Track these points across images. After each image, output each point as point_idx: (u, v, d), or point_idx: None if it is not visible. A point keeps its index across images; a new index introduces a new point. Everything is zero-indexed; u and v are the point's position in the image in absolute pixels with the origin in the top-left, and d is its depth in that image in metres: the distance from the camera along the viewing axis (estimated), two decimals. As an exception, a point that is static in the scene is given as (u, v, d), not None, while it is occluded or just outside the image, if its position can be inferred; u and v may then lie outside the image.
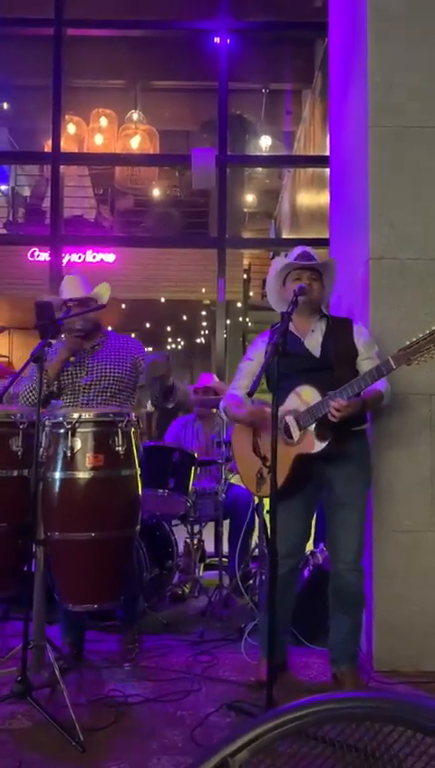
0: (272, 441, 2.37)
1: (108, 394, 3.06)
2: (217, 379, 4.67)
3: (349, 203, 3.63)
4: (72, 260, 9.00)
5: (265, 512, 3.70)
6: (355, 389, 2.51)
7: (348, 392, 2.51)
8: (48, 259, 7.38)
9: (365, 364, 2.69)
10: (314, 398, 2.60)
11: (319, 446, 2.61)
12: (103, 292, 3.12)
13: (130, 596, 3.02)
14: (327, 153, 4.77)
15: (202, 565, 4.33)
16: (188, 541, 4.20)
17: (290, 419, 2.64)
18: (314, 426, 2.61)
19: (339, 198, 3.97)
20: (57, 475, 2.51)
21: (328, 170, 4.63)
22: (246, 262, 11.54)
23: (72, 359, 3.06)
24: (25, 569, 2.67)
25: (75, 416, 2.54)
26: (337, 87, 4.05)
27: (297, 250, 2.79)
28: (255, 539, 3.94)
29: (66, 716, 2.34)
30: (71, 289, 3.11)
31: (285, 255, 2.86)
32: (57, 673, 2.46)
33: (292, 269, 2.76)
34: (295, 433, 2.66)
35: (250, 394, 2.51)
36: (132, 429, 2.66)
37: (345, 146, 3.77)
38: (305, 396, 2.62)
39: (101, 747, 2.29)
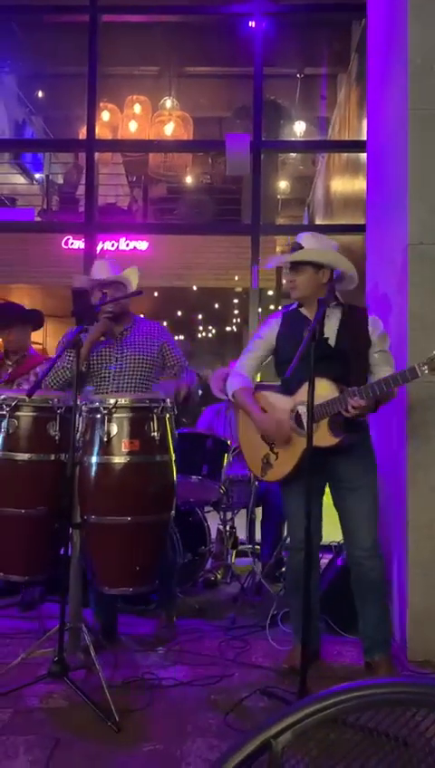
0: (307, 430, 2.36)
1: (137, 380, 3.08)
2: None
3: (387, 188, 3.57)
4: (105, 248, 9.04)
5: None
6: (376, 391, 2.47)
7: (369, 392, 2.47)
8: (82, 247, 7.44)
9: (377, 357, 2.68)
10: (330, 392, 2.55)
11: (332, 440, 2.59)
12: (131, 275, 3.12)
13: (166, 580, 3.05)
14: (363, 138, 4.70)
15: (234, 552, 4.34)
16: (221, 527, 4.22)
17: (303, 410, 2.61)
18: (326, 419, 2.58)
19: (376, 184, 3.90)
20: (93, 459, 2.54)
21: (364, 155, 4.56)
22: (278, 249, 11.45)
23: (102, 338, 3.08)
24: (61, 552, 2.71)
25: (112, 401, 2.56)
26: (376, 70, 3.97)
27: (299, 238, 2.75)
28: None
29: (101, 697, 2.38)
30: (100, 272, 3.13)
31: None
32: (93, 654, 2.50)
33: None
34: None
35: (285, 379, 2.50)
36: (167, 415, 2.67)
37: (384, 130, 3.70)
38: (321, 389, 2.55)
39: (136, 728, 2.32)
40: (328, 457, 2.66)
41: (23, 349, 3.74)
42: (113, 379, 3.05)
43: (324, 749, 0.91)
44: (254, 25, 5.81)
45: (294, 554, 2.81)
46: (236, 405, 2.96)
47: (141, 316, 3.37)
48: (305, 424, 2.48)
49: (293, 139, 10.70)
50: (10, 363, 3.73)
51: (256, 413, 2.78)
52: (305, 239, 2.73)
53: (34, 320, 3.78)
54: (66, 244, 9.02)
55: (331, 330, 2.71)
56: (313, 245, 2.71)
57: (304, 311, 2.76)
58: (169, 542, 3.06)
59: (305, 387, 2.57)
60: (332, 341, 2.69)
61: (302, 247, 2.70)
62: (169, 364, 3.22)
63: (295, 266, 2.71)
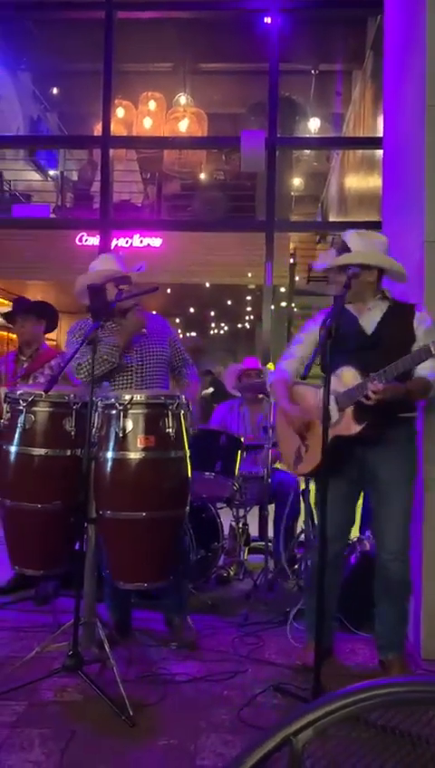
0: (323, 427, 2.36)
1: (157, 375, 3.09)
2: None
3: (403, 184, 3.55)
4: (119, 244, 9.06)
5: (313, 497, 3.69)
6: (393, 372, 2.46)
7: (387, 375, 2.47)
8: (96, 243, 7.46)
9: None
10: (354, 380, 2.58)
11: (356, 428, 2.58)
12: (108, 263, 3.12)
13: (179, 578, 3.06)
14: (378, 134, 4.68)
15: (247, 549, 4.34)
16: (234, 524, 4.22)
17: (331, 400, 2.62)
18: (352, 408, 2.58)
19: (393, 180, 3.88)
20: (109, 454, 2.55)
21: (379, 152, 4.54)
22: (291, 246, 11.43)
23: (144, 330, 3.08)
24: (76, 547, 2.73)
25: (127, 397, 2.56)
26: (392, 65, 3.95)
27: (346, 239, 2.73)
28: (300, 524, 3.93)
29: (115, 691, 2.39)
30: (105, 264, 3.11)
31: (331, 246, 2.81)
32: (107, 649, 2.52)
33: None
34: (335, 414, 2.64)
35: (304, 378, 2.50)
36: (182, 412, 2.68)
37: (400, 126, 3.68)
38: (345, 378, 2.60)
39: (150, 723, 2.33)
40: (365, 453, 2.65)
41: (36, 342, 3.76)
42: (136, 373, 3.04)
43: (344, 747, 0.91)
44: (269, 21, 5.79)
45: (316, 552, 2.80)
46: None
47: (154, 312, 3.38)
48: (332, 414, 2.49)
49: (307, 135, 10.66)
50: (24, 359, 3.75)
51: (284, 403, 2.80)
52: (352, 240, 2.70)
53: (49, 316, 3.80)
54: (80, 240, 9.05)
55: (371, 322, 2.70)
56: (359, 247, 2.68)
57: (350, 308, 2.74)
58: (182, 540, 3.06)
59: (332, 378, 2.57)
60: (369, 331, 2.68)
61: (348, 249, 2.68)
62: (177, 359, 3.23)
63: (343, 267, 2.68)
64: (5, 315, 3.86)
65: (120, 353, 2.98)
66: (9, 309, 3.87)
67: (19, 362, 3.75)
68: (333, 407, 2.64)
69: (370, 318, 2.71)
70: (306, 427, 2.76)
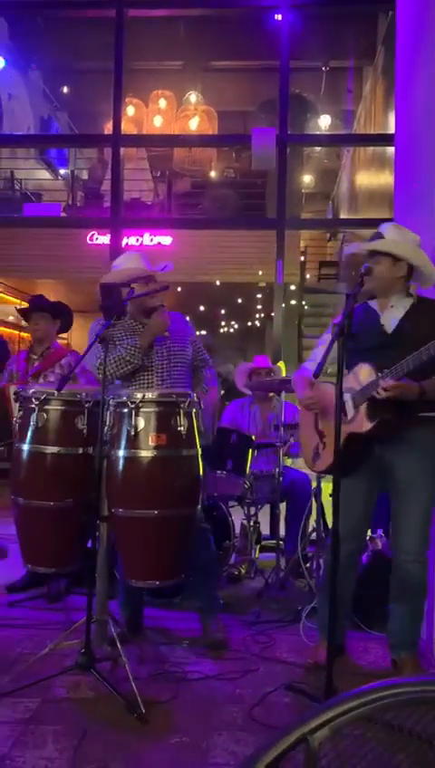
0: (336, 423, 2.35)
1: (178, 375, 3.06)
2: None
3: (416, 181, 3.53)
4: (129, 243, 9.07)
5: (325, 495, 3.69)
6: (404, 369, 2.43)
7: (398, 371, 2.44)
8: (106, 242, 7.47)
9: None
10: (370, 377, 2.56)
11: (367, 425, 2.56)
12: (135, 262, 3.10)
13: (207, 579, 3.07)
14: (389, 131, 4.65)
15: (258, 547, 4.34)
16: (245, 522, 4.22)
17: (347, 397, 2.62)
18: (365, 405, 2.57)
19: (404, 177, 3.86)
20: (121, 453, 2.55)
21: (390, 149, 4.52)
22: (302, 244, 11.40)
23: (166, 333, 3.05)
24: (88, 545, 2.74)
25: (139, 396, 2.57)
26: (404, 61, 3.92)
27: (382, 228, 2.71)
28: (312, 523, 3.92)
29: (128, 689, 2.40)
30: (132, 263, 3.08)
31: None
32: (119, 647, 2.52)
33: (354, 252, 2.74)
34: (350, 411, 2.63)
35: (315, 376, 2.48)
36: (194, 410, 2.68)
37: (412, 122, 3.65)
38: (362, 375, 2.59)
39: (162, 720, 2.33)
40: (383, 451, 2.64)
41: (48, 341, 3.78)
42: (158, 374, 3.02)
43: (357, 747, 0.90)
44: (280, 18, 5.77)
45: (330, 551, 2.79)
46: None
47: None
48: (348, 412, 2.50)
49: (318, 132, 10.62)
50: (35, 357, 3.77)
51: (303, 392, 2.81)
52: (388, 230, 2.67)
53: (64, 316, 3.81)
54: (91, 239, 9.07)
55: (392, 319, 2.66)
56: (394, 237, 2.65)
57: (373, 304, 2.71)
58: (204, 540, 3.04)
59: (350, 375, 2.56)
60: (389, 329, 2.65)
61: (383, 238, 2.66)
62: (198, 359, 3.22)
63: (374, 255, 2.64)
64: (21, 311, 3.87)
65: (141, 354, 2.96)
66: (26, 306, 3.88)
67: (30, 361, 3.76)
68: (349, 404, 2.63)
69: (391, 315, 2.67)
70: (325, 423, 2.75)
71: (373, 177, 9.57)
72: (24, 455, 2.66)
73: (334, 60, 10.50)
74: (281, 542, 3.90)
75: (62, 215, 9.61)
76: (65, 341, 9.80)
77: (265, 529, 4.49)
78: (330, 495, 2.45)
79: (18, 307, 4.02)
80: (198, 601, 3.15)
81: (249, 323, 15.53)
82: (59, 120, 12.35)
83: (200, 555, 2.92)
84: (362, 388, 2.59)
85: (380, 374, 2.52)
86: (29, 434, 2.64)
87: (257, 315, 14.61)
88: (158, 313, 3.03)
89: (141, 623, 3.13)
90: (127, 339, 2.98)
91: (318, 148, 12.17)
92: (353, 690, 0.82)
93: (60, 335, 3.97)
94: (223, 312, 15.04)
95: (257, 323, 15.20)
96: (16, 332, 9.80)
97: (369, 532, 3.44)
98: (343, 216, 12.59)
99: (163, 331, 3.04)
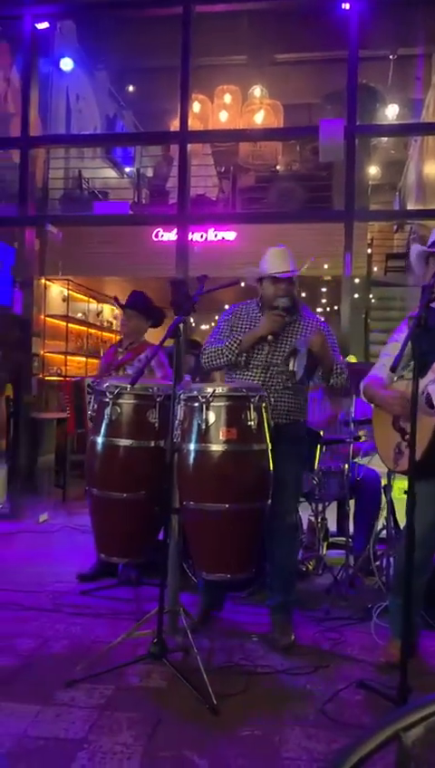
0: (411, 421, 2.29)
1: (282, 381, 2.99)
2: None
3: None
4: (193, 239, 9.10)
5: (395, 493, 3.62)
6: None
7: None
8: (172, 239, 7.52)
9: None
10: None
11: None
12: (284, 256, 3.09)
13: (289, 579, 3.07)
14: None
15: (325, 544, 4.30)
16: (312, 519, 4.19)
17: (433, 389, 2.54)
18: None
19: None
20: (192, 446, 2.58)
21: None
22: (368, 236, 11.18)
23: (270, 338, 2.99)
24: (160, 537, 2.78)
25: (209, 390, 2.58)
26: None
27: None
28: (382, 520, 3.86)
29: (199, 680, 2.42)
30: (278, 263, 3.08)
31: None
32: (190, 638, 2.55)
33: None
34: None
35: (393, 369, 2.43)
36: (263, 405, 2.67)
37: None
38: None
39: (233, 713, 2.35)
40: None
41: (135, 336, 3.94)
42: (259, 376, 3.00)
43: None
44: (348, 7, 5.66)
45: (403, 550, 2.74)
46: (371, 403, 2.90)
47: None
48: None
49: (385, 122, 10.39)
50: (121, 350, 3.95)
51: (381, 393, 2.75)
52: None
53: (155, 316, 3.98)
54: (156, 236, 9.15)
55: None
56: None
57: None
58: (294, 541, 3.05)
59: (431, 372, 2.50)
60: None
61: None
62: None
63: None
64: (120, 306, 4.02)
65: (237, 351, 2.95)
66: (125, 301, 4.03)
67: (117, 354, 3.95)
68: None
69: None
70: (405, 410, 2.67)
71: (443, 167, 9.29)
72: (99, 447, 2.72)
73: (403, 47, 10.23)
74: (349, 540, 3.85)
75: (130, 213, 9.73)
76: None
77: (331, 526, 4.45)
78: (404, 492, 2.39)
79: (115, 303, 4.20)
80: (271, 599, 3.11)
81: (313, 318, 15.39)
82: (124, 118, 12.53)
83: (281, 552, 2.93)
84: None
85: None
86: (103, 427, 2.70)
87: (321, 309, 14.44)
88: (271, 314, 2.97)
89: (218, 611, 3.15)
90: (240, 331, 2.99)
91: (385, 139, 11.90)
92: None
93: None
94: (286, 306, 14.94)
95: (321, 318, 15.03)
96: (85, 329, 10.00)
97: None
98: (410, 206, 12.29)
99: (268, 333, 2.96)
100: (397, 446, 2.72)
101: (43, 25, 6.39)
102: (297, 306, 3.10)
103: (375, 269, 11.65)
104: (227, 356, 2.95)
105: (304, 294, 13.11)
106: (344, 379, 3.05)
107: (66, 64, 9.16)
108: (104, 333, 10.75)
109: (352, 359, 4.43)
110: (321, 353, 2.91)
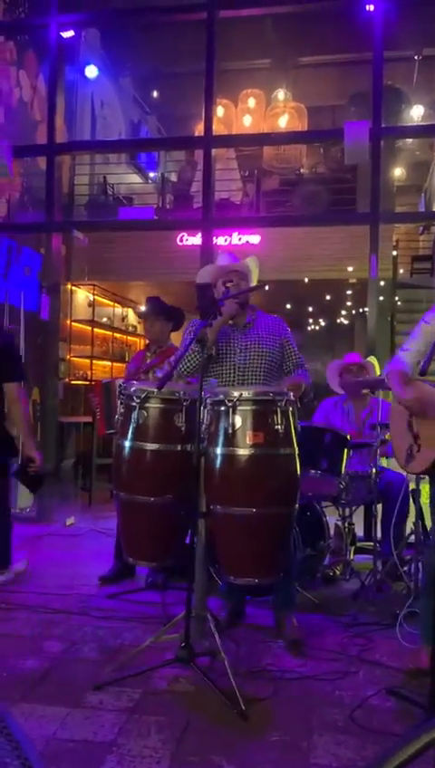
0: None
1: (261, 374, 3.08)
2: None
3: None
4: (218, 243, 9.11)
5: (424, 497, 3.58)
6: None
7: None
8: (196, 243, 7.55)
9: None
10: None
11: None
12: (251, 264, 3.15)
13: (286, 577, 3.05)
14: None
15: (352, 548, 4.27)
16: (339, 523, 4.16)
17: None
18: None
19: None
20: (219, 450, 2.58)
21: None
22: (393, 238, 11.09)
23: (230, 322, 3.10)
24: (187, 541, 2.78)
25: (236, 394, 2.58)
26: None
27: None
28: (410, 525, 3.82)
29: (227, 685, 2.42)
30: (223, 259, 3.22)
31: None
32: (218, 642, 2.55)
33: None
34: None
35: (422, 373, 2.41)
36: (290, 409, 2.66)
37: None
38: None
39: (262, 718, 2.34)
40: None
41: (162, 340, 4.06)
42: (238, 372, 3.07)
43: None
44: (373, 9, 5.64)
45: (434, 553, 2.72)
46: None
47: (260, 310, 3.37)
48: None
49: (410, 124, 10.32)
50: (149, 355, 4.07)
51: (399, 389, 2.73)
52: None
53: (176, 318, 4.09)
54: (181, 240, 9.19)
55: None
56: None
57: None
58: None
59: None
60: None
61: None
62: (288, 361, 3.21)
63: None
64: (140, 314, 4.14)
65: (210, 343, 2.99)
66: (144, 308, 4.21)
67: (145, 358, 4.06)
68: None
69: None
70: (424, 423, 2.66)
71: (470, 167, 9.19)
72: (126, 451, 2.73)
73: (428, 48, 10.16)
74: (377, 545, 3.82)
75: (155, 218, 9.79)
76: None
77: (359, 530, 4.41)
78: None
79: (138, 311, 4.36)
80: (275, 599, 3.13)
81: (337, 320, 15.29)
82: (148, 123, 12.62)
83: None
84: None
85: None
86: (130, 431, 2.72)
87: (346, 312, 14.35)
88: (227, 305, 3.05)
89: (242, 615, 3.15)
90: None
91: (410, 140, 11.81)
92: None
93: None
94: (310, 309, 14.87)
95: (346, 321, 14.93)
96: (110, 333, 10.07)
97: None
98: (436, 208, 12.16)
99: (226, 321, 3.05)
100: (409, 449, 2.70)
101: (68, 34, 6.48)
102: (246, 305, 3.15)
103: (401, 271, 11.54)
104: (198, 358, 2.98)
105: (328, 297, 13.08)
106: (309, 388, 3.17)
107: (91, 71, 9.26)
108: (129, 337, 10.82)
109: (373, 360, 4.40)
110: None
